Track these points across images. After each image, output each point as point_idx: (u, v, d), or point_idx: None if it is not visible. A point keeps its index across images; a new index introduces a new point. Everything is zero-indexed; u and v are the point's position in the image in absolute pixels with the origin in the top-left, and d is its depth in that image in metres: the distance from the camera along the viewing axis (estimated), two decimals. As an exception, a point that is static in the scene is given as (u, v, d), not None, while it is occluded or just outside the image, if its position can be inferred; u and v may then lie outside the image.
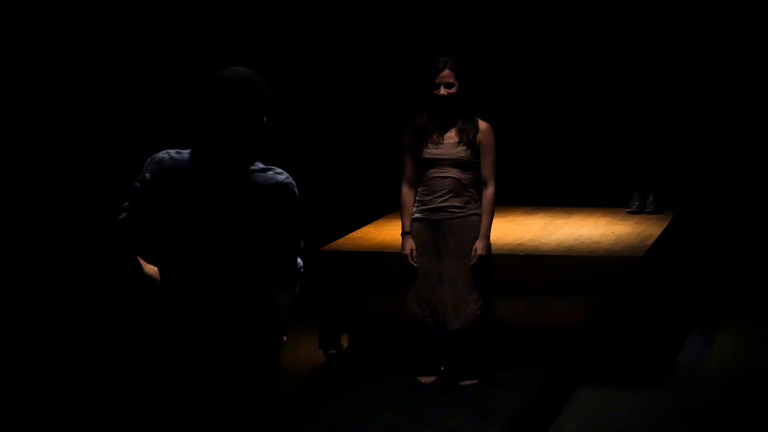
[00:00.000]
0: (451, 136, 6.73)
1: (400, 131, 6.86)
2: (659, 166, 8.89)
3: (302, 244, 3.84)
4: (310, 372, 7.22)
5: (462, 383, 6.76)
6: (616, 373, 6.94)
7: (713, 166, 9.54)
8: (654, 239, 7.56)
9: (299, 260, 3.85)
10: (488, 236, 6.73)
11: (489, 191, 6.73)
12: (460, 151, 6.70)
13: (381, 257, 7.25)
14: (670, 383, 7.00)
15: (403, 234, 6.82)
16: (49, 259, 7.26)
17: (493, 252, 6.79)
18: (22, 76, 7.22)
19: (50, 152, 7.36)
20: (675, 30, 9.20)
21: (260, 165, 3.79)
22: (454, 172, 6.71)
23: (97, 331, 7.18)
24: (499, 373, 6.88)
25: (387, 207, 8.33)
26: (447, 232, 6.73)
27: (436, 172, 6.73)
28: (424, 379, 6.82)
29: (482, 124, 6.74)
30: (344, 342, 7.53)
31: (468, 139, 6.70)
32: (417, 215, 6.80)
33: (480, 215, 6.72)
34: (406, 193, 6.83)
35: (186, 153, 3.82)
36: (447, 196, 6.73)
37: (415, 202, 6.81)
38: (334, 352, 7.43)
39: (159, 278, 3.86)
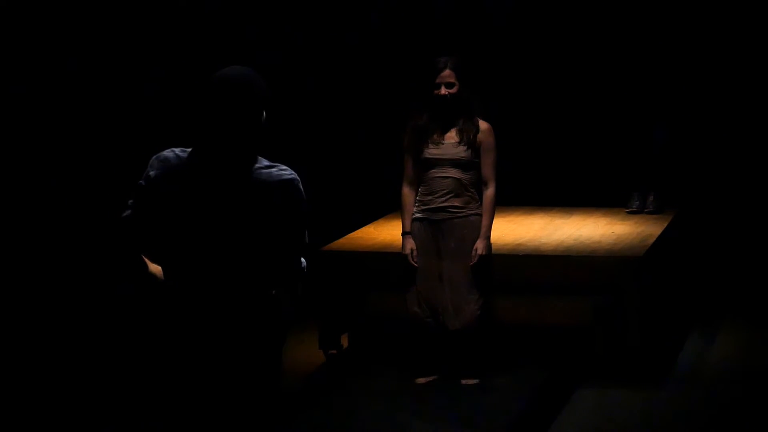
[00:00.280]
0: (452, 136, 6.73)
1: (401, 131, 6.86)
2: (659, 166, 8.89)
3: (306, 240, 3.83)
4: (310, 372, 7.22)
5: (462, 383, 6.76)
6: (616, 373, 6.93)
7: (713, 166, 9.54)
8: (654, 239, 7.56)
9: (302, 260, 3.85)
10: (488, 236, 6.73)
11: (489, 191, 6.73)
12: (461, 151, 6.70)
13: (381, 257, 7.25)
14: (670, 383, 7.00)
15: (404, 234, 6.82)
16: (50, 259, 7.26)
17: (493, 252, 6.79)
18: (22, 76, 7.22)
19: (50, 152, 7.36)
20: (675, 30, 9.19)
21: (265, 162, 3.79)
22: (454, 172, 6.72)
23: (100, 330, 7.18)
24: (499, 372, 6.87)
25: (387, 207, 8.33)
26: (447, 232, 6.73)
27: (436, 172, 6.73)
28: (423, 380, 6.82)
29: (483, 124, 6.74)
30: (344, 342, 7.53)
31: (468, 139, 6.70)
32: (417, 215, 6.80)
33: (480, 215, 6.72)
34: (407, 193, 6.83)
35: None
36: (447, 196, 6.73)
37: (415, 202, 6.81)
38: (334, 352, 7.43)
39: (163, 277, 3.86)
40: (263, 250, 3.75)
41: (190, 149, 3.82)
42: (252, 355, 3.78)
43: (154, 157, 3.83)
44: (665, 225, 8.08)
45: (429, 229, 6.76)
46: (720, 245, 9.34)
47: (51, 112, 7.38)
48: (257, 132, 3.78)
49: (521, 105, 9.70)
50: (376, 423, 6.23)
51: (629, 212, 8.58)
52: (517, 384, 6.73)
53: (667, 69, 9.08)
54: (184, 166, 3.78)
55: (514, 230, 7.91)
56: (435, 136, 6.74)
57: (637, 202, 8.64)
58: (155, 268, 3.88)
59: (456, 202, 6.72)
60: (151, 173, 3.79)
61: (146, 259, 3.87)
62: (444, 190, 6.73)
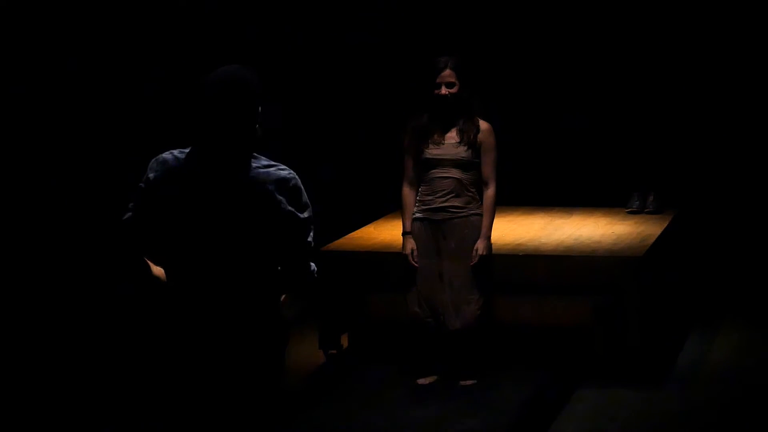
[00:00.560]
0: (452, 136, 6.74)
1: (401, 131, 6.86)
2: (659, 166, 8.89)
3: (311, 241, 3.82)
4: (310, 372, 7.22)
5: (462, 383, 6.76)
6: (616, 373, 6.93)
7: (713, 166, 9.54)
8: (654, 239, 7.56)
9: (312, 265, 3.85)
10: (489, 236, 6.73)
11: (490, 191, 6.73)
12: (461, 151, 6.70)
13: (381, 257, 7.25)
14: (670, 383, 7.00)
15: (404, 234, 6.82)
16: (50, 260, 7.26)
17: (493, 252, 6.79)
18: (22, 76, 7.21)
19: (50, 152, 7.35)
20: (674, 30, 9.20)
21: (264, 161, 3.79)
22: (455, 172, 6.72)
23: (100, 330, 7.17)
24: (499, 373, 6.88)
25: (387, 207, 8.33)
26: (448, 232, 6.73)
27: (437, 172, 6.74)
28: (423, 380, 6.82)
29: (483, 124, 6.75)
30: (344, 342, 7.53)
31: (469, 139, 6.70)
32: (418, 215, 6.80)
33: (481, 215, 6.72)
34: (407, 193, 6.83)
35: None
36: (448, 196, 6.73)
37: (415, 202, 6.81)
38: (334, 352, 7.43)
39: (165, 279, 3.86)
40: (265, 250, 3.75)
41: (188, 150, 3.82)
42: (254, 355, 3.79)
43: (153, 159, 3.84)
44: (665, 225, 8.08)
45: (429, 229, 6.77)
46: (720, 245, 9.34)
47: (51, 112, 7.37)
48: (254, 128, 3.78)
49: (521, 105, 9.70)
50: (375, 423, 6.23)
51: (629, 212, 8.58)
52: (517, 384, 6.73)
53: (667, 69, 9.09)
54: (183, 167, 3.78)
55: (514, 230, 7.91)
56: (435, 136, 6.74)
57: (637, 202, 8.64)
58: (158, 270, 3.88)
59: (456, 202, 6.72)
60: (151, 176, 3.80)
61: (149, 262, 3.88)
62: (444, 190, 6.73)
